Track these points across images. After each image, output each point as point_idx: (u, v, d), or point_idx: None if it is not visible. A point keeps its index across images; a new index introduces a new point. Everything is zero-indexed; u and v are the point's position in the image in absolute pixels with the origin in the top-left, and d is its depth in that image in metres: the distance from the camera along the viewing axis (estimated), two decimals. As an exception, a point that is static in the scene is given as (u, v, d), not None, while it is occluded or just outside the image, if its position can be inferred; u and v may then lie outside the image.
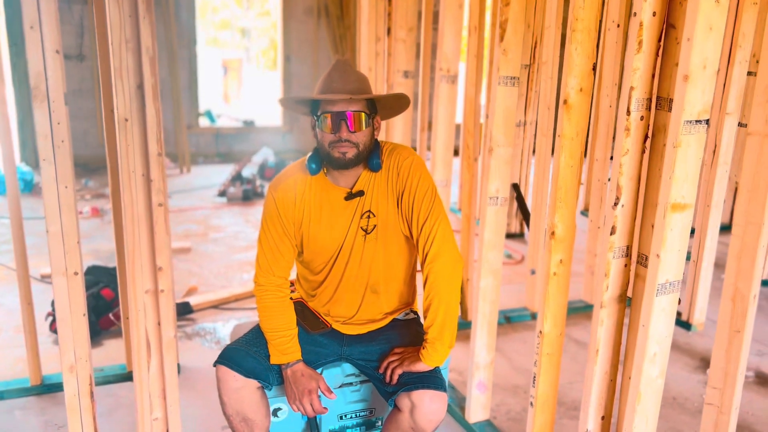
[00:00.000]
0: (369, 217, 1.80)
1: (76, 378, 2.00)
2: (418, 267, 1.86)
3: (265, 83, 13.91)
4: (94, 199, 5.71)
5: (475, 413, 2.47)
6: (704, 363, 3.07)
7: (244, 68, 15.72)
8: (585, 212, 5.91)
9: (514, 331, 3.39)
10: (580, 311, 3.66)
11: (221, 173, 6.86)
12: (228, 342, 3.13)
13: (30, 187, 5.90)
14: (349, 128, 1.71)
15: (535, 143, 5.71)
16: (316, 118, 1.76)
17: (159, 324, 2.09)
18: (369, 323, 1.93)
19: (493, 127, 2.21)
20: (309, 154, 1.85)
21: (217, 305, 3.56)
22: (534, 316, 3.54)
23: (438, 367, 1.81)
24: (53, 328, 3.09)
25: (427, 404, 1.70)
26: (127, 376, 2.76)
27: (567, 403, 2.71)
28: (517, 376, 2.90)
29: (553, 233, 1.97)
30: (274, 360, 1.82)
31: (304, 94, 1.84)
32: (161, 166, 1.95)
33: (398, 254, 1.87)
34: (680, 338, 3.34)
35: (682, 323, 3.47)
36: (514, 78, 2.19)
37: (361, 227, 1.81)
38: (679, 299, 3.52)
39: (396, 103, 1.86)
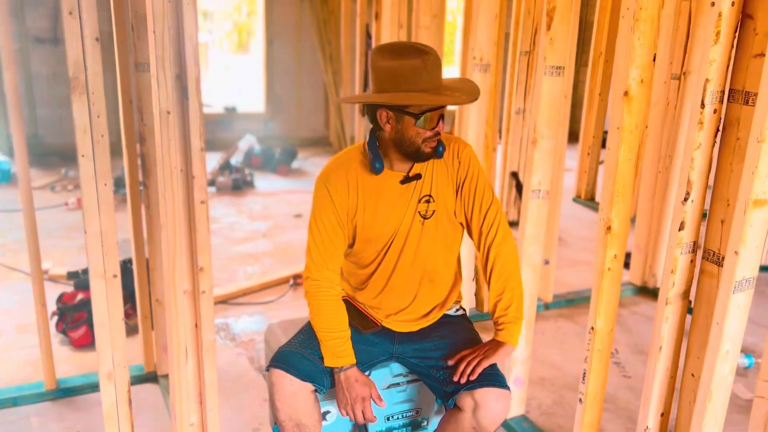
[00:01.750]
0: (429, 201, 1.76)
1: (114, 385, 1.89)
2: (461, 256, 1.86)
3: (236, 67, 13.61)
4: (77, 189, 5.50)
5: (512, 408, 2.44)
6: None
7: (209, 52, 15.33)
8: (576, 199, 5.94)
9: (547, 321, 3.37)
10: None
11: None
12: (245, 339, 3.04)
13: (7, 178, 5.65)
14: (442, 123, 1.70)
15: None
16: (405, 114, 1.65)
17: (196, 326, 2.00)
18: (421, 319, 1.88)
19: (537, 118, 2.16)
20: (362, 148, 1.78)
21: (226, 300, 3.45)
22: (547, 306, 3.53)
23: (497, 363, 1.78)
24: (59, 327, 2.96)
25: (492, 403, 1.66)
26: (146, 378, 2.65)
27: (569, 375, 2.81)
28: (541, 368, 2.88)
29: (609, 228, 1.93)
30: (328, 363, 1.75)
31: (401, 92, 1.71)
32: (203, 162, 1.84)
33: (454, 241, 1.85)
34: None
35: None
36: (560, 68, 2.14)
37: (419, 212, 1.76)
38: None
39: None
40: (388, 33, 2.86)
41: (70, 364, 2.76)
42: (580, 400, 2.08)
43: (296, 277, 3.70)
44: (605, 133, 6.43)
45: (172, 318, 1.95)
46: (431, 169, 1.76)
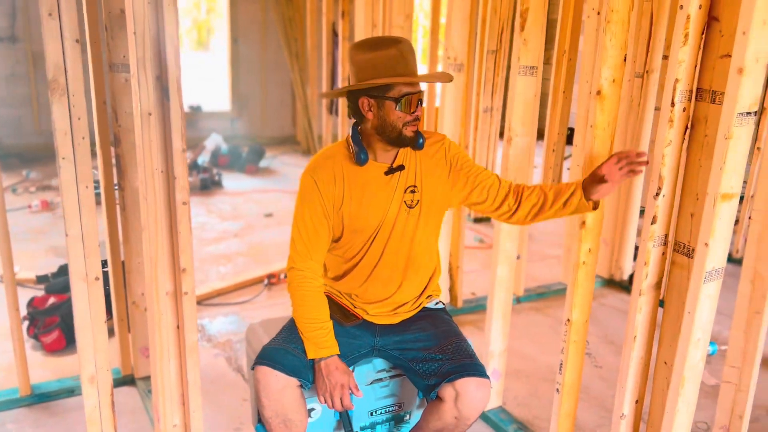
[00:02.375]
0: (413, 191, 1.83)
1: (97, 389, 1.88)
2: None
3: (197, 65, 13.43)
4: (39, 191, 5.38)
5: (490, 400, 2.49)
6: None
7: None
8: (543, 195, 6.05)
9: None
10: (561, 293, 3.75)
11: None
12: (222, 340, 3.03)
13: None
14: (420, 106, 1.78)
15: (502, 128, 5.80)
16: (385, 100, 1.72)
17: (178, 327, 2.00)
18: (402, 308, 1.92)
19: (512, 116, 2.21)
20: (346, 143, 1.84)
21: (200, 301, 3.44)
22: (519, 300, 3.60)
23: (475, 354, 1.83)
24: (31, 332, 2.90)
25: (473, 392, 1.71)
26: (124, 381, 2.63)
27: (543, 367, 2.89)
28: (516, 360, 2.95)
29: (583, 223, 2.00)
30: (311, 354, 1.78)
31: (372, 78, 1.82)
32: (185, 163, 1.84)
33: (436, 229, 1.92)
34: (659, 316, 3.49)
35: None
36: (533, 67, 2.19)
37: (405, 201, 1.83)
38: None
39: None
40: (362, 33, 2.89)
41: (43, 370, 2.72)
42: (557, 390, 2.14)
43: (270, 276, 3.70)
44: (570, 129, 6.57)
45: (155, 320, 1.94)
46: (414, 161, 1.84)
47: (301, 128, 7.48)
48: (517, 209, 1.87)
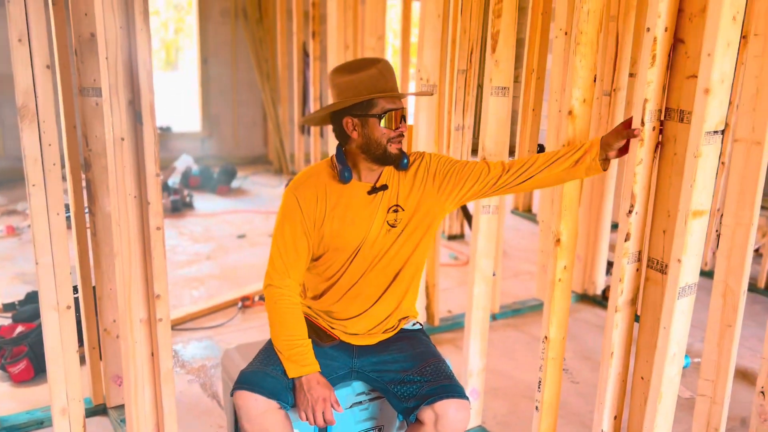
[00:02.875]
0: (396, 211, 1.83)
1: (69, 420, 1.83)
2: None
3: (166, 85, 13.35)
4: (5, 216, 5.26)
5: (470, 420, 2.49)
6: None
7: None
8: (515, 211, 6.12)
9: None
10: (535, 309, 3.78)
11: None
12: (196, 366, 2.98)
13: (-73, 206, 5.34)
14: (405, 121, 1.80)
15: (474, 145, 5.84)
16: (369, 117, 1.75)
17: (152, 355, 1.96)
18: (380, 326, 1.91)
19: (485, 136, 2.24)
20: (330, 162, 1.86)
21: (173, 326, 3.38)
22: (495, 317, 3.62)
23: (454, 375, 1.83)
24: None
25: (453, 414, 1.70)
26: (95, 411, 2.56)
27: (521, 384, 2.90)
28: (493, 378, 2.95)
29: (558, 240, 2.02)
30: (292, 373, 1.75)
31: (353, 96, 1.85)
32: (159, 188, 1.82)
33: (425, 247, 1.91)
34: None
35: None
36: (505, 88, 2.22)
37: (387, 221, 1.83)
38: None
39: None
40: (334, 55, 2.90)
41: (11, 401, 2.64)
42: (537, 407, 2.15)
43: (244, 299, 3.66)
44: (540, 146, 6.66)
45: (128, 347, 1.91)
46: (397, 181, 1.85)
47: (273, 148, 7.46)
48: (518, 174, 1.85)
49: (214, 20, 7.29)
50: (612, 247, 4.56)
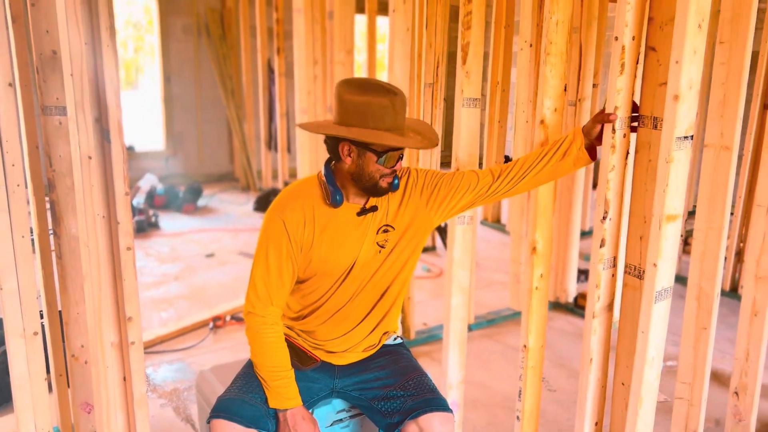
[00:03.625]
0: (387, 231, 1.79)
1: (38, 452, 1.76)
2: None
3: (127, 104, 13.15)
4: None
5: (450, 433, 2.46)
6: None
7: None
8: (484, 222, 6.15)
9: (455, 345, 3.43)
10: (509, 318, 3.79)
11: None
12: (168, 389, 2.91)
13: None
14: (401, 162, 1.73)
15: (444, 157, 5.86)
16: (368, 151, 1.66)
17: (124, 379, 1.90)
18: (362, 342, 1.88)
19: (458, 148, 2.24)
20: (319, 175, 1.78)
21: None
22: (470, 328, 3.61)
23: (437, 387, 1.81)
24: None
25: (437, 427, 1.69)
26: (64, 440, 2.46)
27: (499, 394, 2.88)
28: (471, 389, 2.94)
29: (534, 249, 2.02)
30: (274, 404, 1.71)
31: (363, 130, 1.73)
32: (128, 207, 1.77)
33: (412, 264, 1.87)
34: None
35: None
36: (476, 99, 2.23)
37: (377, 242, 1.78)
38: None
39: None
40: (303, 70, 2.88)
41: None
42: (518, 417, 2.14)
43: (215, 319, 3.59)
44: (506, 157, 6.72)
45: (99, 373, 1.84)
46: (386, 200, 1.79)
47: (240, 164, 7.39)
48: (508, 179, 1.83)
49: (176, 38, 7.21)
50: (582, 255, 4.62)
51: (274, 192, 6.40)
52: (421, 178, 1.84)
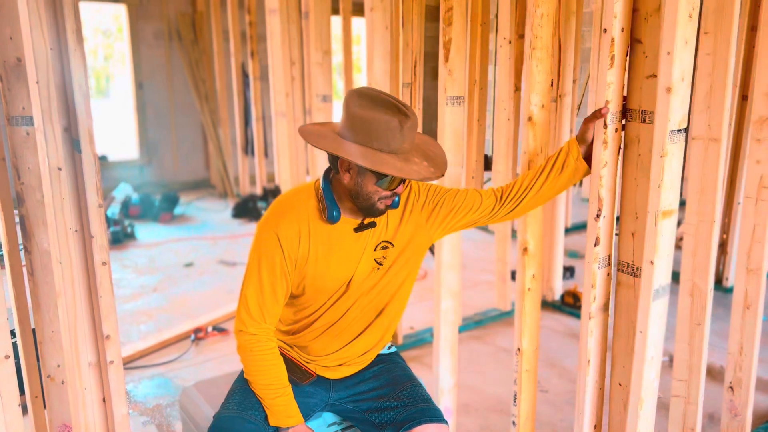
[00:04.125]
0: (386, 247, 1.70)
1: (13, 482, 1.66)
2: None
3: (99, 113, 12.91)
4: (-71, 259, 4.90)
5: (443, 440, 2.41)
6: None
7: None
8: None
9: (443, 348, 3.37)
10: (497, 319, 3.75)
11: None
12: (150, 406, 2.81)
13: None
14: (403, 186, 1.63)
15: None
16: (369, 172, 1.55)
17: (104, 400, 1.81)
18: (360, 358, 1.81)
19: (443, 147, 2.18)
20: (316, 188, 1.68)
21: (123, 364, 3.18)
22: (458, 330, 3.55)
23: (431, 397, 1.76)
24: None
25: None
26: (42, 465, 2.36)
27: (491, 398, 2.82)
28: (462, 394, 2.88)
29: (525, 249, 1.98)
30: (274, 422, 1.64)
31: (376, 151, 1.59)
32: (102, 220, 1.69)
33: (411, 280, 1.81)
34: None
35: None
36: (460, 98, 2.18)
37: (375, 259, 1.70)
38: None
39: None
40: (280, 71, 2.80)
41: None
42: (514, 422, 2.09)
43: (197, 331, 3.49)
44: (486, 156, 6.70)
45: (77, 394, 1.75)
46: (386, 215, 1.70)
47: (216, 171, 7.27)
48: (510, 199, 1.78)
49: (147, 43, 7.07)
50: (565, 252, 4.59)
51: (252, 198, 6.30)
52: (423, 194, 1.76)
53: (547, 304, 3.94)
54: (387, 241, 1.71)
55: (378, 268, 1.71)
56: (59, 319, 1.70)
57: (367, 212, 1.62)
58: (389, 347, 1.92)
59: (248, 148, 7.06)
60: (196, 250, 5.20)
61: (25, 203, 2.21)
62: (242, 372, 1.79)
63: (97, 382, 1.76)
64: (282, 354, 1.77)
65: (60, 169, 1.58)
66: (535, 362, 2.06)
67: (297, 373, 1.78)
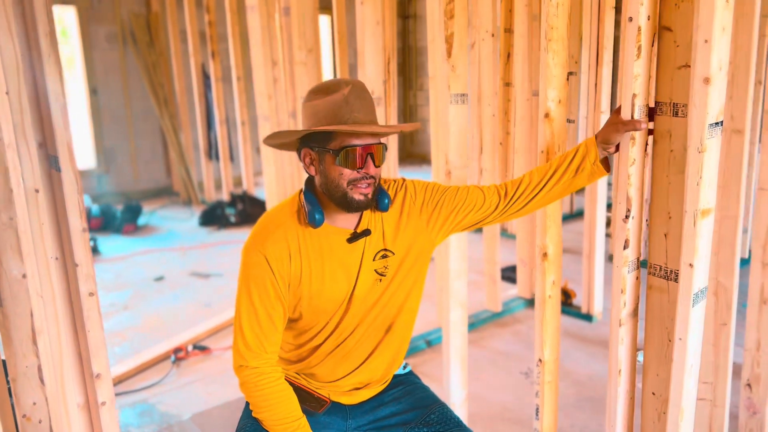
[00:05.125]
0: (385, 256, 1.55)
1: None
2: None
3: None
4: None
5: (456, 457, 2.28)
6: (621, 351, 3.19)
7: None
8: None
9: (438, 355, 3.25)
10: (489, 321, 3.65)
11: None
12: (136, 437, 2.61)
13: None
14: (375, 163, 1.46)
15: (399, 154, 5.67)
16: (327, 152, 1.44)
17: (95, 445, 1.62)
18: (375, 383, 1.67)
19: (448, 150, 2.05)
20: (298, 197, 1.55)
21: (98, 392, 2.95)
22: (450, 335, 3.44)
23: (461, 420, 1.65)
24: None
25: None
26: None
27: (495, 405, 2.71)
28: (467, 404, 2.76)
29: (545, 255, 1.86)
30: None
31: (298, 126, 1.51)
32: (87, 245, 1.50)
33: (418, 288, 1.66)
34: (588, 331, 3.47)
35: (583, 315, 3.61)
36: (464, 95, 2.05)
37: (376, 270, 1.55)
38: (575, 293, 3.63)
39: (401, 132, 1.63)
40: (261, 71, 2.63)
41: None
42: (536, 437, 1.97)
43: (177, 351, 3.28)
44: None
45: (65, 443, 1.56)
46: (380, 220, 1.56)
47: (179, 177, 6.99)
48: (517, 198, 1.64)
49: (99, 47, 6.75)
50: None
51: (220, 205, 6.06)
52: (420, 194, 1.61)
53: (537, 303, 3.85)
54: (386, 250, 1.57)
55: (380, 280, 1.57)
56: (36, 353, 1.50)
57: (345, 206, 1.47)
58: (404, 367, 1.78)
59: (212, 152, 6.81)
60: (165, 262, 4.95)
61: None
62: (246, 405, 1.63)
63: (86, 425, 1.57)
64: (290, 383, 1.61)
65: (37, 191, 1.39)
66: (557, 373, 1.95)
67: (310, 402, 1.62)
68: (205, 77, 6.58)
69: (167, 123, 6.77)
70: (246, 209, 5.99)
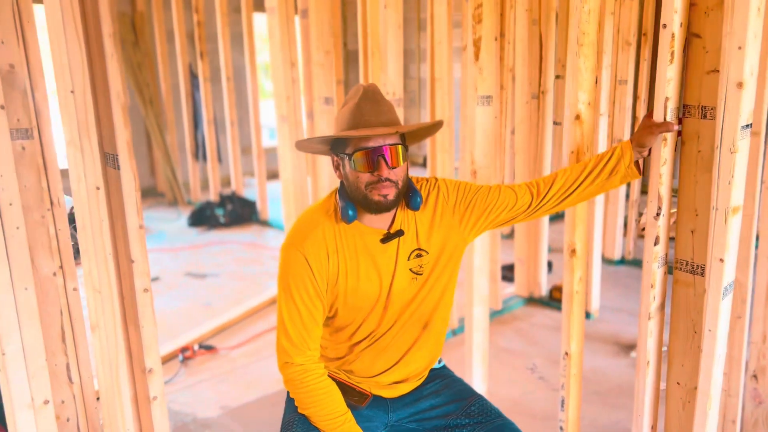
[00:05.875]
0: (420, 255, 1.60)
1: None
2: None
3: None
4: None
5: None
6: (620, 347, 3.30)
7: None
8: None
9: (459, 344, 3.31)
10: (490, 318, 3.71)
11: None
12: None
13: None
14: (389, 164, 1.49)
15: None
16: (344, 157, 1.52)
17: (143, 440, 1.64)
18: (414, 377, 1.72)
19: (474, 149, 2.11)
20: (333, 197, 1.60)
21: (108, 392, 2.95)
22: (455, 332, 3.51)
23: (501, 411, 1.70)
24: None
25: None
26: None
27: (505, 400, 2.78)
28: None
29: (573, 251, 1.93)
30: None
31: (327, 132, 1.59)
32: (143, 242, 1.52)
33: (451, 286, 1.70)
34: (587, 328, 3.56)
35: (581, 313, 3.71)
36: (489, 97, 2.11)
37: (411, 269, 1.60)
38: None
39: (426, 132, 1.67)
40: (280, 72, 2.66)
41: None
42: (561, 428, 2.04)
43: (183, 350, 3.28)
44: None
45: (117, 437, 1.58)
46: (413, 220, 1.61)
47: (164, 178, 6.93)
48: (550, 198, 1.70)
49: (83, 46, 6.66)
50: (551, 248, 4.61)
51: (209, 205, 6.04)
52: (453, 193, 1.66)
53: (535, 301, 3.95)
54: (420, 249, 1.62)
55: (416, 278, 1.62)
56: (95, 354, 1.52)
57: (366, 207, 1.52)
58: (439, 361, 1.83)
59: (198, 152, 6.78)
60: (158, 263, 4.92)
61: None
62: (288, 400, 1.67)
63: (135, 419, 1.59)
64: (332, 378, 1.66)
65: (98, 188, 1.41)
66: (581, 366, 2.02)
67: (353, 396, 1.67)
68: (193, 77, 6.55)
69: (153, 122, 6.71)
70: (236, 210, 5.98)
